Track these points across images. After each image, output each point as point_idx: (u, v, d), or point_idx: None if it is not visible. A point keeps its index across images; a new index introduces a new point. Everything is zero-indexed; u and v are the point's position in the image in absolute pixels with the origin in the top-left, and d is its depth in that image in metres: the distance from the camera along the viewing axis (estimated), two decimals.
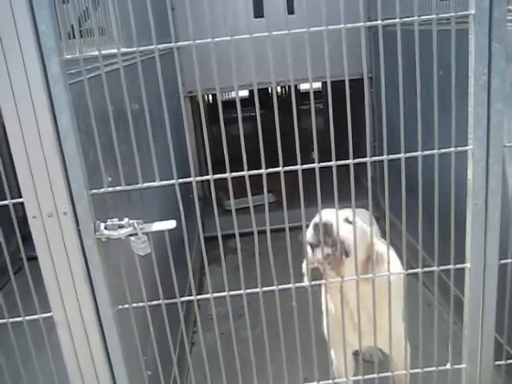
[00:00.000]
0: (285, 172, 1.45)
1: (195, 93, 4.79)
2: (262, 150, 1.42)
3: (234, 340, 1.66)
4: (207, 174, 1.48)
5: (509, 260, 1.58)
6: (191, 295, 1.60)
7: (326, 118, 5.97)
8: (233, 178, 1.48)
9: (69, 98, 1.36)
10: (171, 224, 1.48)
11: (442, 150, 1.45)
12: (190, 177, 1.46)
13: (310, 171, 1.46)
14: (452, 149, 1.45)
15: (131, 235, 1.47)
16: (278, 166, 1.44)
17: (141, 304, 1.56)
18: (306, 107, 2.18)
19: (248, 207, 1.50)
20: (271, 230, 1.68)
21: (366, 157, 1.45)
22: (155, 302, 1.55)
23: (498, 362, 1.71)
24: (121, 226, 1.46)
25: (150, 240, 1.48)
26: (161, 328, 1.65)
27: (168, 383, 1.91)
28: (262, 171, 1.42)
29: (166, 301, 1.56)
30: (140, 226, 1.47)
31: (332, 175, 1.44)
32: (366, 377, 1.80)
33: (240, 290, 1.57)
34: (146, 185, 1.46)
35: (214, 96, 8.38)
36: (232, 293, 1.56)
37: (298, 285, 1.55)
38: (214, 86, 1.44)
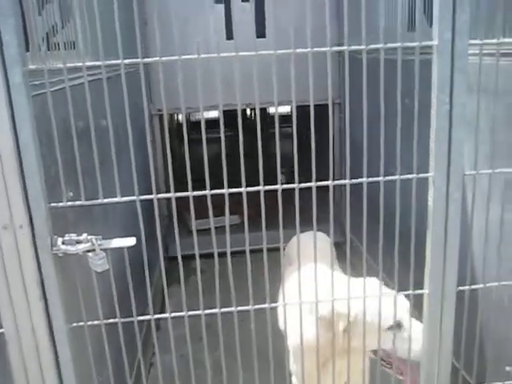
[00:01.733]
0: (252, 194, 1.45)
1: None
2: (224, 169, 1.42)
3: (191, 362, 1.64)
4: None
5: (466, 287, 1.60)
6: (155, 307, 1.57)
7: (298, 139, 5.99)
8: (199, 199, 1.47)
9: (31, 109, 1.34)
10: (131, 241, 1.46)
11: (403, 176, 1.47)
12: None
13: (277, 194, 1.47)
14: (413, 175, 1.47)
15: (89, 251, 1.44)
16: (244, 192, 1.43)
17: (96, 322, 1.52)
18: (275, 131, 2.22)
19: (214, 228, 1.48)
20: (237, 252, 1.68)
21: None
22: (111, 321, 1.52)
23: None
24: (79, 242, 1.43)
25: (108, 257, 1.45)
26: (118, 348, 1.61)
27: None
28: (224, 191, 1.41)
29: (123, 319, 1.52)
30: (98, 242, 1.44)
31: (298, 198, 1.44)
32: None
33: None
34: (106, 200, 1.43)
35: (185, 115, 8.38)
36: (190, 313, 1.53)
37: (256, 307, 1.53)
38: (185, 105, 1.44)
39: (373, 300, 1.66)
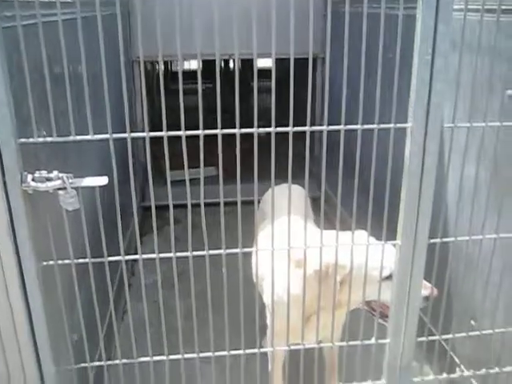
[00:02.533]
0: (229, 149, 1.42)
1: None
2: (200, 111, 1.38)
3: (161, 307, 1.64)
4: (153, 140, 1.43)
5: (438, 240, 1.61)
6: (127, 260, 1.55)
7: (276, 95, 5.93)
8: (176, 148, 1.44)
9: (0, 39, 1.29)
10: (102, 180, 1.43)
11: (382, 126, 1.46)
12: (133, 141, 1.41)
13: (259, 146, 1.44)
14: (391, 125, 1.46)
15: (60, 189, 1.41)
16: (227, 142, 1.41)
17: (67, 261, 1.50)
18: (259, 84, 2.17)
19: (190, 179, 1.46)
20: (213, 203, 1.66)
21: (313, 133, 1.44)
22: (82, 260, 1.50)
23: (420, 339, 1.75)
24: (49, 179, 1.40)
25: (79, 196, 1.43)
26: (91, 294, 1.60)
27: (94, 350, 1.87)
28: (199, 132, 1.38)
29: (93, 259, 1.51)
30: (70, 181, 1.41)
31: (276, 149, 1.42)
32: None
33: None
34: (79, 138, 1.40)
35: (167, 64, 8.23)
36: (162, 255, 1.52)
37: (228, 251, 1.53)
38: (163, 53, 1.39)
39: (367, 252, 1.66)
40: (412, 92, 1.45)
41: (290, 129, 1.41)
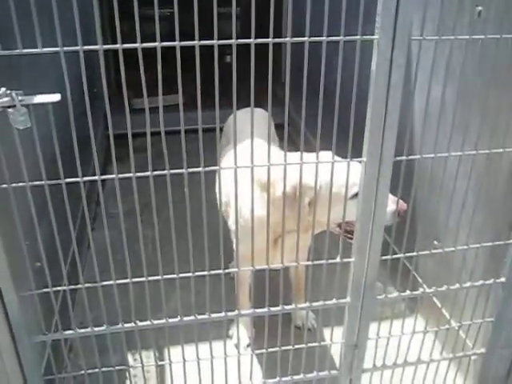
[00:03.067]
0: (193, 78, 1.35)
1: None
2: (176, 17, 1.29)
3: (123, 231, 1.61)
4: (118, 76, 1.34)
5: (403, 157, 1.60)
6: (93, 189, 1.49)
7: (243, 22, 5.76)
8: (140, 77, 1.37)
9: None
10: (55, 97, 1.35)
11: (348, 38, 1.40)
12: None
13: (223, 72, 1.39)
14: (358, 37, 1.40)
15: (9, 107, 1.33)
16: (191, 69, 1.33)
17: (21, 184, 1.44)
18: (225, 10, 2.07)
19: (157, 107, 1.39)
20: (178, 131, 1.59)
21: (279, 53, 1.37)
22: (37, 183, 1.44)
23: (384, 257, 1.77)
24: None
25: (31, 114, 1.35)
26: (56, 216, 1.55)
27: (59, 278, 1.83)
28: (157, 44, 1.30)
29: (49, 182, 1.45)
30: (19, 98, 1.33)
31: (244, 76, 1.35)
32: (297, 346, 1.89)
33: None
34: (25, 51, 1.30)
35: None
36: (138, 174, 1.48)
37: (190, 170, 1.48)
38: None
39: (333, 171, 1.63)
40: (379, 2, 1.38)
41: (252, 40, 1.34)
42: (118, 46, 1.33)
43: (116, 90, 4.56)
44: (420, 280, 2.39)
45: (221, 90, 1.42)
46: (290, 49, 1.38)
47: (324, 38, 1.38)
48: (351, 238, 1.79)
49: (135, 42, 1.31)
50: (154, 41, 1.30)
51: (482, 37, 1.52)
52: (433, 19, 1.47)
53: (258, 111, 2.14)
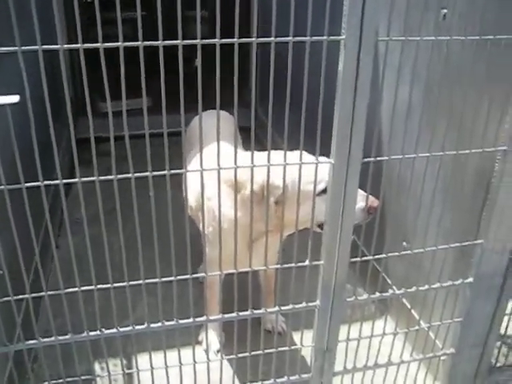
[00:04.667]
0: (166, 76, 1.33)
1: None
2: (139, 17, 1.25)
3: (87, 238, 1.56)
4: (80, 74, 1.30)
5: (371, 159, 1.59)
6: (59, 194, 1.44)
7: (211, 26, 5.74)
8: (110, 79, 1.34)
9: None
10: (13, 98, 1.31)
11: (314, 38, 1.38)
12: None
13: (191, 76, 1.37)
14: (324, 37, 1.39)
15: None
16: (157, 72, 1.31)
17: None
18: (192, 14, 2.04)
19: (127, 110, 1.37)
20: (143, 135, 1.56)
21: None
22: (12, 186, 1.39)
23: (353, 259, 1.76)
24: None
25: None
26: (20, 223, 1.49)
27: (22, 286, 1.77)
28: (139, 43, 1.26)
29: (9, 186, 1.39)
30: None
31: (211, 81, 1.33)
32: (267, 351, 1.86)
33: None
34: None
35: None
36: (102, 178, 1.44)
37: (155, 173, 1.45)
38: None
39: (300, 169, 1.61)
40: (345, 2, 1.38)
41: (216, 40, 1.31)
42: (78, 45, 1.28)
43: (81, 94, 4.50)
44: (389, 281, 2.39)
45: (187, 93, 1.40)
46: (255, 48, 1.36)
47: (290, 38, 1.36)
48: None
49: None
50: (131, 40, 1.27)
51: (448, 38, 1.53)
52: (399, 20, 1.47)
53: (222, 114, 2.11)
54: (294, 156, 1.65)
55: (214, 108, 1.47)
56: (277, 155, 1.59)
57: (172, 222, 1.57)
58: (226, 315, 1.83)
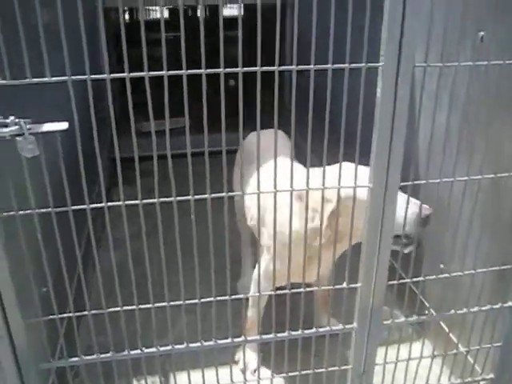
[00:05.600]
0: (197, 99, 1.38)
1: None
2: (183, 52, 1.31)
3: (129, 255, 1.61)
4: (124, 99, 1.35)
5: (409, 182, 1.60)
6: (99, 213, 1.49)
7: (246, 46, 5.80)
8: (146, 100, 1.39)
9: None
10: (63, 125, 1.37)
11: (353, 65, 1.41)
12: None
13: (228, 97, 1.40)
14: (363, 64, 1.41)
15: (18, 135, 1.34)
16: (197, 92, 1.36)
17: (28, 211, 1.44)
18: (229, 34, 2.08)
19: (165, 130, 1.41)
20: (184, 155, 1.60)
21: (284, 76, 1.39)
22: (44, 210, 1.45)
23: (390, 282, 1.76)
24: (5, 125, 1.33)
25: (39, 142, 1.36)
26: (62, 242, 1.55)
27: (64, 303, 1.83)
28: (163, 72, 1.32)
29: (56, 209, 1.45)
30: (27, 126, 1.34)
31: (250, 101, 1.37)
32: None
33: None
34: (35, 80, 1.31)
35: (131, 15, 7.96)
36: (145, 201, 1.49)
37: (197, 197, 1.49)
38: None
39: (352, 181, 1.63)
40: (384, 30, 1.40)
41: (257, 68, 1.35)
42: (125, 74, 1.34)
43: (124, 113, 4.59)
44: (427, 304, 2.37)
45: (226, 113, 1.43)
46: (295, 76, 1.40)
47: (329, 65, 1.39)
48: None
49: (143, 65, 1.32)
50: (161, 64, 1.32)
51: (485, 63, 1.53)
52: (437, 45, 1.48)
53: (279, 133, 2.15)
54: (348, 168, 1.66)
55: (254, 129, 1.50)
56: (331, 169, 1.63)
57: (211, 242, 1.60)
58: (264, 336, 1.85)
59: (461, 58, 1.54)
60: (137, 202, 1.47)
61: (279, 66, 1.38)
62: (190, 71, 1.33)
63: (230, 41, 2.20)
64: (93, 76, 1.33)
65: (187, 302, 1.68)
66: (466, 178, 1.67)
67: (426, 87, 1.53)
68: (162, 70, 1.33)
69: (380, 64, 1.42)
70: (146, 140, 1.60)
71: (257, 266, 2.08)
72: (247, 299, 2.42)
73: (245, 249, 3.17)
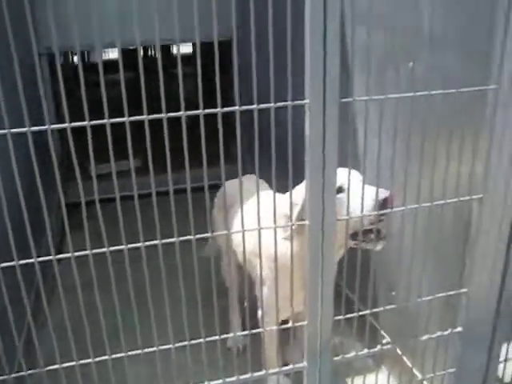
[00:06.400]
0: (155, 139, 1.37)
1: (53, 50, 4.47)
2: (124, 97, 1.30)
3: (82, 307, 1.54)
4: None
5: (346, 217, 1.59)
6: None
7: (196, 82, 5.82)
8: (98, 144, 1.38)
9: None
10: None
11: (279, 104, 1.42)
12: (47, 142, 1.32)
13: (179, 137, 1.38)
14: (288, 102, 1.42)
15: None
16: (144, 134, 1.35)
17: None
18: (176, 71, 2.09)
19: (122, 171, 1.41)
20: (139, 196, 1.58)
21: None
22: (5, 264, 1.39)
23: (336, 318, 1.73)
24: None
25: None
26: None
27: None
28: (125, 119, 1.31)
29: (3, 264, 1.40)
30: None
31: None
32: None
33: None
34: None
35: (83, 55, 7.94)
36: (95, 251, 1.45)
37: (164, 241, 1.47)
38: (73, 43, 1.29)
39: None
40: (306, 67, 1.41)
41: (200, 111, 1.36)
42: (66, 125, 1.32)
43: (71, 158, 4.52)
44: (383, 332, 2.36)
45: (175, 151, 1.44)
46: (239, 117, 1.41)
47: (255, 106, 1.39)
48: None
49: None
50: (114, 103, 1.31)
51: (411, 94, 1.55)
52: (361, 80, 1.50)
53: (250, 177, 2.30)
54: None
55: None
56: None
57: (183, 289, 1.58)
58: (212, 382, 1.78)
59: (396, 91, 1.55)
60: (87, 252, 1.43)
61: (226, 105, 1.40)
62: (151, 116, 1.35)
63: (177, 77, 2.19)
64: (33, 128, 1.31)
65: (162, 347, 1.65)
66: (402, 208, 1.68)
67: (358, 118, 1.54)
68: (115, 109, 1.32)
69: (305, 101, 1.43)
70: (106, 183, 1.58)
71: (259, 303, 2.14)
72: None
73: (233, 304, 3.05)
